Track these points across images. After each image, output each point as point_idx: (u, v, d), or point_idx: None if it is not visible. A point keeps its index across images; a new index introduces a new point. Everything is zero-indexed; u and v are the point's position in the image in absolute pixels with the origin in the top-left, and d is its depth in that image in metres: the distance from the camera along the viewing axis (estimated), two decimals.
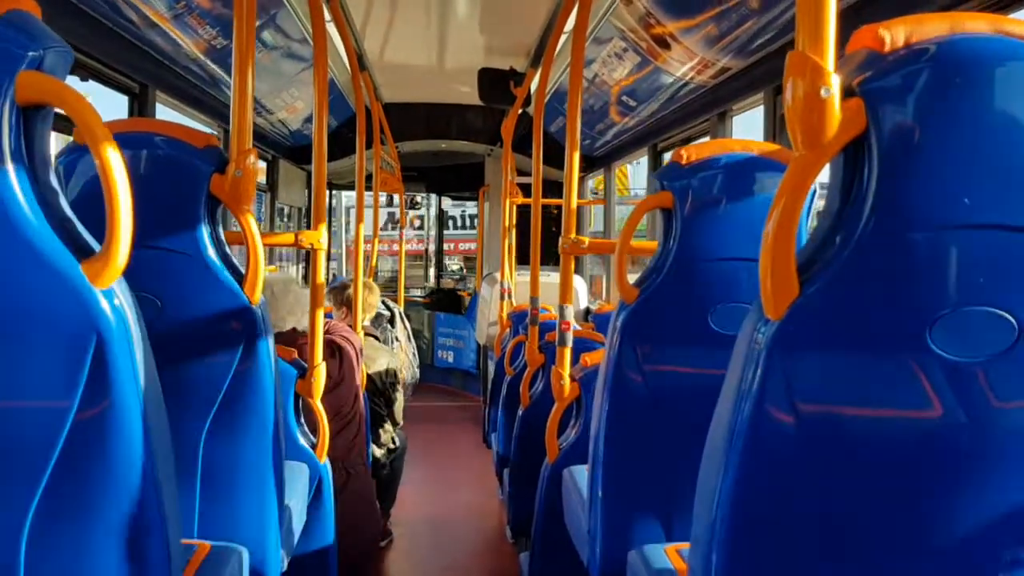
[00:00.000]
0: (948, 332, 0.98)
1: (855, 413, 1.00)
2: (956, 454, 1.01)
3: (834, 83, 0.97)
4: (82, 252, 1.02)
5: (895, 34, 1.00)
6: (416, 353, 5.67)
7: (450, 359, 8.37)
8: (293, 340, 2.82)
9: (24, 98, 0.98)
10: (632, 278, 1.88)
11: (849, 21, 1.06)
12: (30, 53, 0.99)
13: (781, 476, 1.02)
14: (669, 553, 1.58)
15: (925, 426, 1.00)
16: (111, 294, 1.02)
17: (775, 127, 3.20)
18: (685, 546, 1.62)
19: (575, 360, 2.66)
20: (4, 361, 1.01)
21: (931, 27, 1.00)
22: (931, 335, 0.98)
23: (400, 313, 5.71)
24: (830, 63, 0.98)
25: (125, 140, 1.70)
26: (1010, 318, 0.97)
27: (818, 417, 0.99)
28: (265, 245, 1.81)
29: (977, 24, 1.01)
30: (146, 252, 1.62)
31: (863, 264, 0.98)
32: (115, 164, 1.00)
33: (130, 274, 1.06)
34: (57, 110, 1.06)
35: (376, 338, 4.31)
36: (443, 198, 9.95)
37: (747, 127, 3.95)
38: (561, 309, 2.70)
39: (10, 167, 0.98)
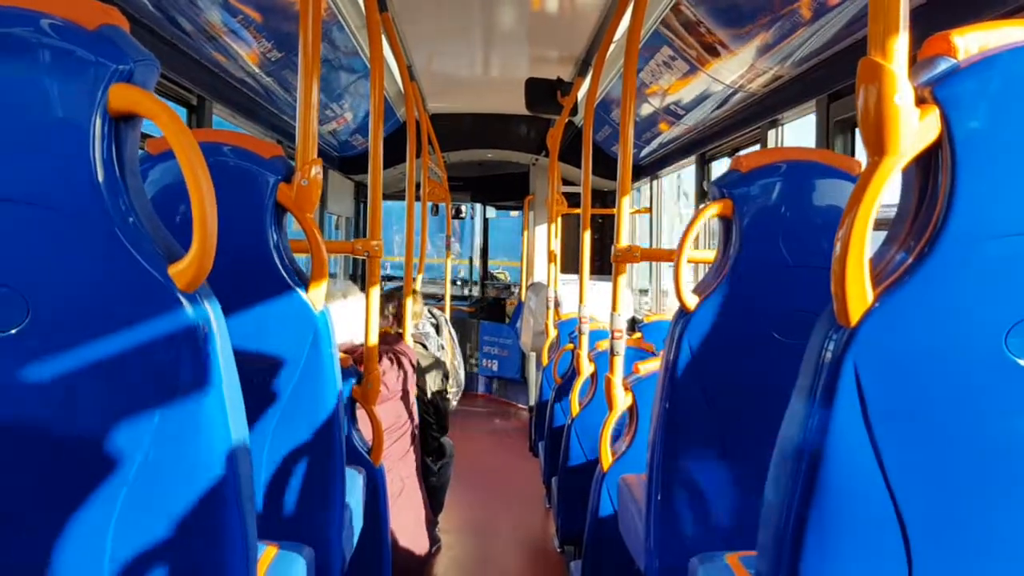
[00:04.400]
0: None
1: (931, 421, 0.99)
2: None
3: (907, 90, 0.97)
4: (169, 257, 1.06)
5: (969, 41, 1.00)
6: (462, 361, 5.70)
7: (494, 367, 8.40)
8: (349, 349, 2.86)
9: (116, 108, 1.03)
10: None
11: (918, 27, 1.06)
12: (121, 66, 1.03)
13: (851, 484, 1.01)
14: (731, 561, 1.57)
15: (1002, 434, 0.99)
16: (196, 298, 1.05)
17: (828, 135, 3.18)
18: (747, 554, 1.61)
19: (627, 368, 2.66)
20: (94, 362, 1.05)
21: (1006, 33, 1.00)
22: (1007, 342, 0.97)
23: (446, 321, 5.76)
24: (903, 70, 0.98)
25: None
26: None
27: (893, 425, 0.99)
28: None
29: None
30: (216, 258, 1.66)
31: (937, 271, 0.98)
32: (202, 171, 1.04)
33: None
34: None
35: (424, 346, 4.35)
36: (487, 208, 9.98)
37: (797, 136, 3.92)
38: (612, 318, 2.71)
39: (102, 173, 1.03)
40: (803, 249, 1.75)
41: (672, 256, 1.97)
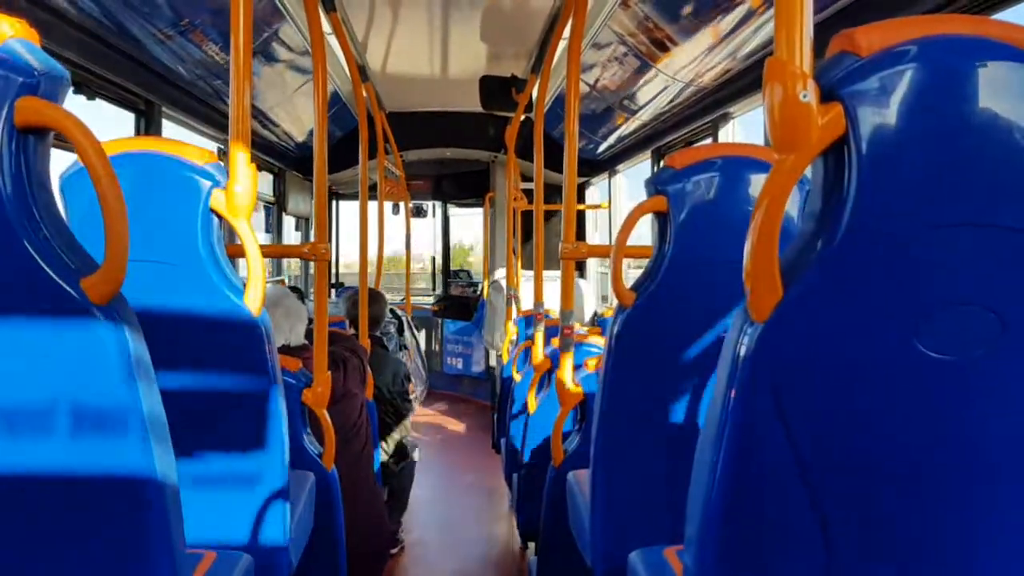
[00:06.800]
0: (933, 331, 0.99)
1: (841, 414, 1.01)
2: (945, 453, 1.02)
3: (812, 87, 0.99)
4: (81, 269, 1.05)
5: (873, 37, 1.01)
6: (425, 360, 5.70)
7: (459, 365, 8.40)
8: (299, 352, 2.84)
9: (22, 122, 1.01)
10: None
11: (831, 29, 1.08)
12: (28, 80, 1.02)
13: (769, 477, 1.03)
14: (668, 555, 1.59)
15: (912, 425, 1.01)
16: (110, 310, 1.05)
17: None
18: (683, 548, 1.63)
19: (579, 364, 2.67)
20: (4, 377, 1.04)
21: (909, 30, 1.01)
22: (916, 334, 0.99)
23: (408, 321, 5.75)
24: (807, 67, 1.00)
25: (128, 158, 1.73)
26: (995, 315, 0.98)
27: (805, 418, 1.00)
28: (272, 256, 1.83)
29: (956, 25, 1.02)
30: (148, 267, 1.65)
31: (846, 265, 0.99)
32: (111, 182, 1.03)
33: (132, 289, 1.09)
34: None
35: (384, 347, 4.34)
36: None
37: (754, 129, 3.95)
38: (563, 314, 2.72)
39: (9, 188, 1.01)
40: (736, 244, 1.77)
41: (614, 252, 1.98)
